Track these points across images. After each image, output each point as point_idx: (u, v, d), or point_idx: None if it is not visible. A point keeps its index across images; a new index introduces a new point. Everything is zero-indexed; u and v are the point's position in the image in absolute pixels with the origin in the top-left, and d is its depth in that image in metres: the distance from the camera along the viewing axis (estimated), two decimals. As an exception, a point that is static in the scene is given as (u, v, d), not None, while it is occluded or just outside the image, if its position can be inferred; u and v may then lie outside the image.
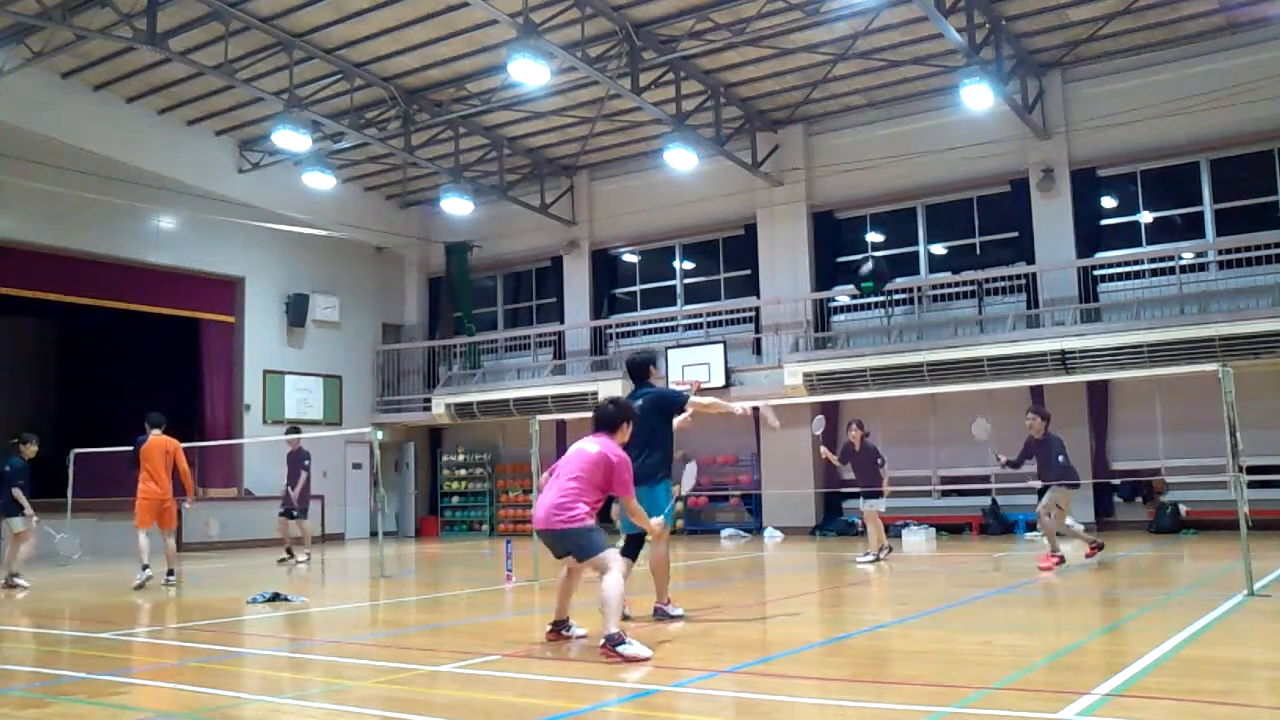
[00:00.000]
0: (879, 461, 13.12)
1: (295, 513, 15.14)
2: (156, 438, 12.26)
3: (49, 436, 15.29)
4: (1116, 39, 17.25)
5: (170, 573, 12.08)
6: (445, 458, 24.51)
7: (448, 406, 22.53)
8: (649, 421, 7.73)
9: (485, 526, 23.70)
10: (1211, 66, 16.84)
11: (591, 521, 6.50)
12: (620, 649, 5.92)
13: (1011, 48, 17.07)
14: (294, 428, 16.27)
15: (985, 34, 16.09)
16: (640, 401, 7.87)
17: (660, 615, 7.78)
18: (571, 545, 6.51)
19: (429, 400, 23.18)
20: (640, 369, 8.31)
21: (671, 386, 19.54)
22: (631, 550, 7.84)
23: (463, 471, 24.24)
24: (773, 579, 11.91)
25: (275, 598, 10.03)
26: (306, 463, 15.16)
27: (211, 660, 6.88)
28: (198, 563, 15.30)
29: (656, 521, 7.48)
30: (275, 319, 22.50)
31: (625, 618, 6.82)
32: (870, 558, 12.73)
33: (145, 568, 11.92)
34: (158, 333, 20.85)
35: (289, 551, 15.23)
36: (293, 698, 5.61)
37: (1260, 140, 16.78)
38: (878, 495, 13.04)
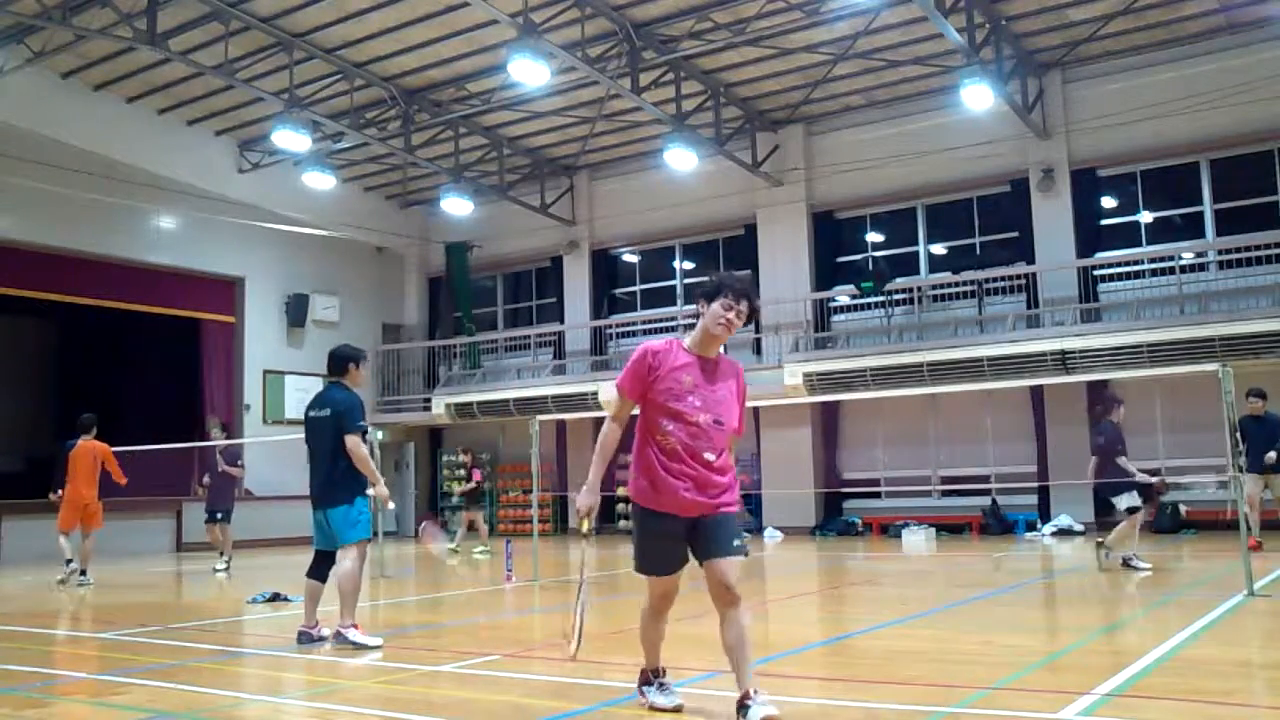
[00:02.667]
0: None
1: (222, 516, 14.50)
2: (84, 443, 12.62)
3: (49, 437, 15.31)
4: (1116, 39, 17.24)
5: (83, 573, 12.36)
6: (445, 458, 24.51)
7: (448, 406, 22.53)
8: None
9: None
10: (1211, 66, 16.84)
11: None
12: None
13: (1011, 48, 17.07)
14: (220, 423, 15.93)
15: (985, 34, 16.09)
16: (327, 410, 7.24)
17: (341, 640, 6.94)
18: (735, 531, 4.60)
19: (429, 400, 23.18)
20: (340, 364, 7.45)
21: None
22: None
23: (463, 471, 24.20)
24: (773, 579, 11.91)
25: (275, 598, 10.04)
26: (239, 462, 15.01)
27: (211, 660, 6.88)
28: (198, 562, 15.30)
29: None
30: (275, 319, 22.50)
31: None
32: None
33: (70, 562, 12.28)
34: (158, 333, 20.84)
35: (222, 553, 14.48)
36: (293, 698, 5.61)
37: (1260, 140, 16.77)
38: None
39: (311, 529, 7.40)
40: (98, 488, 12.61)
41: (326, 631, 7.12)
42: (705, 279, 4.71)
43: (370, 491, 7.27)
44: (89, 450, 12.60)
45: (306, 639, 7.09)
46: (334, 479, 7.14)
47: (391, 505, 7.63)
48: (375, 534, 7.40)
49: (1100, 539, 11.33)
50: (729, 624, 4.40)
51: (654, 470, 4.46)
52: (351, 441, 7.05)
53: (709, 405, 4.52)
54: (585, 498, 4.57)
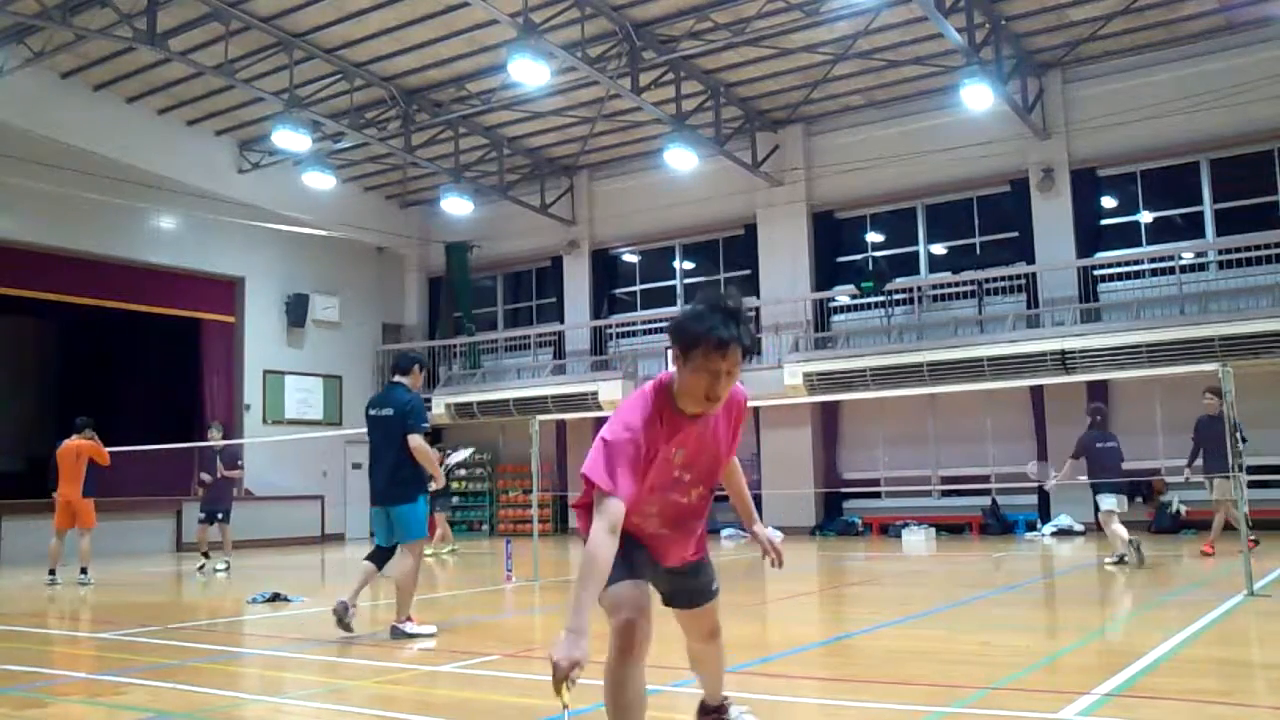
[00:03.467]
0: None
1: (222, 516, 14.59)
2: (70, 442, 12.83)
3: (49, 437, 15.31)
4: (1116, 39, 17.24)
5: (83, 571, 12.47)
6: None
7: (448, 406, 22.52)
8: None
9: (485, 526, 23.71)
10: (1211, 66, 16.84)
11: None
12: None
13: (1011, 48, 17.07)
14: (218, 423, 15.92)
15: (985, 34, 16.09)
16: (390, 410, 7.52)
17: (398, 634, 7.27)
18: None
19: (429, 400, 23.16)
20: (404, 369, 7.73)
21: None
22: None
23: (463, 471, 24.23)
24: (773, 579, 11.90)
25: (275, 598, 10.04)
26: (240, 463, 15.24)
27: (211, 660, 6.88)
28: (198, 562, 15.28)
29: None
30: (275, 319, 22.50)
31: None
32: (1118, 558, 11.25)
33: (52, 572, 12.47)
34: (158, 333, 20.84)
35: (207, 556, 14.56)
36: (292, 698, 5.61)
37: (1260, 140, 16.77)
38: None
39: (371, 524, 7.76)
40: (82, 486, 12.77)
41: (422, 630, 7.39)
42: (675, 320, 3.35)
43: (431, 486, 7.55)
44: (73, 449, 12.82)
45: (343, 608, 7.31)
46: (399, 477, 7.39)
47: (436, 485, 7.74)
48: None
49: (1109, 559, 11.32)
50: (715, 649, 3.97)
51: (622, 537, 3.19)
52: (415, 440, 7.32)
53: (701, 474, 3.47)
54: (568, 649, 2.98)
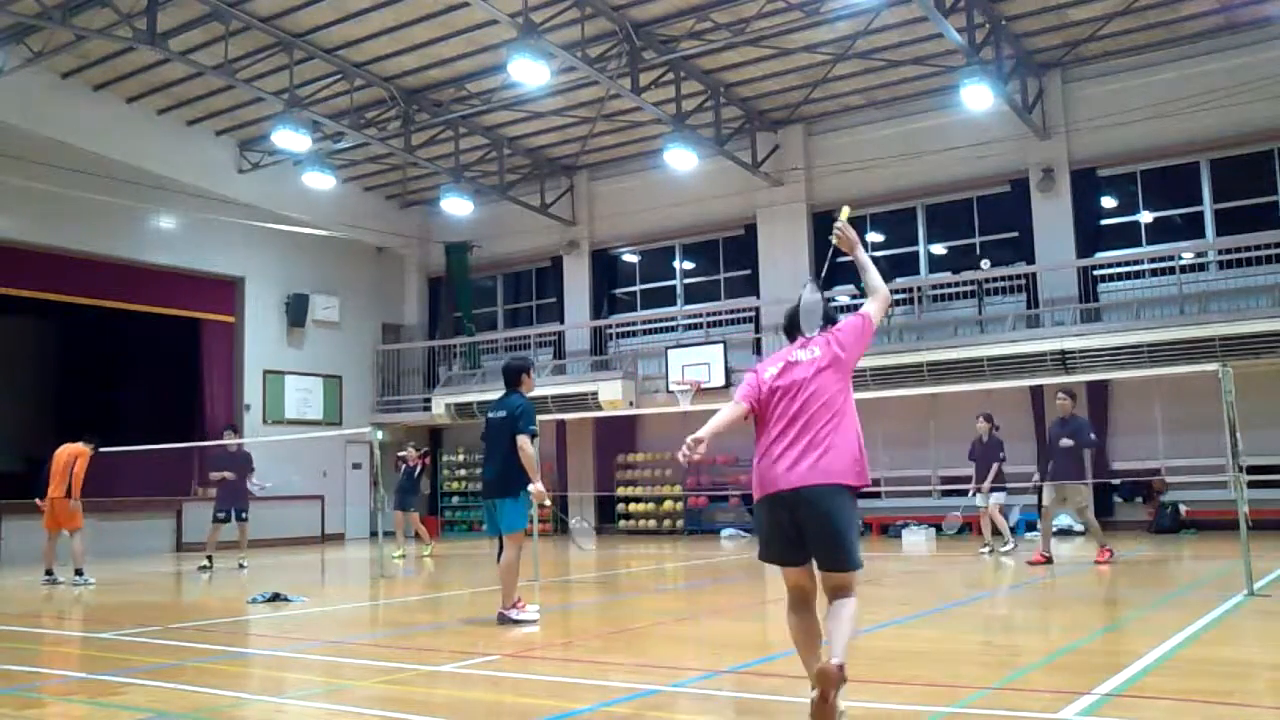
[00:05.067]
0: (1001, 456, 13.67)
1: (244, 515, 14.81)
2: (64, 447, 13.09)
3: (48, 437, 15.30)
4: (1116, 39, 17.24)
5: (79, 572, 12.54)
6: (445, 458, 24.51)
7: (448, 406, 22.52)
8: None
9: (485, 526, 23.66)
10: (1211, 66, 16.83)
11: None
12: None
13: (1011, 48, 17.07)
14: (232, 427, 16.03)
15: (985, 34, 16.09)
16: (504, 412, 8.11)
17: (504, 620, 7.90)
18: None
19: (429, 400, 23.18)
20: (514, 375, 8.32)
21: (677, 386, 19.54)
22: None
23: (463, 471, 24.24)
24: (773, 579, 11.92)
25: (275, 598, 10.05)
26: (253, 464, 15.29)
27: (211, 660, 6.88)
28: (198, 562, 15.29)
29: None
30: (275, 319, 22.50)
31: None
32: (1009, 547, 13.72)
33: (49, 572, 12.63)
34: (158, 333, 20.83)
35: (209, 558, 14.61)
36: (293, 698, 5.61)
37: (1260, 140, 16.77)
38: (1000, 489, 13.73)
39: (484, 518, 8.59)
40: (65, 488, 12.92)
41: (526, 615, 7.94)
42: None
43: (531, 489, 7.94)
44: (64, 453, 13.03)
45: (503, 619, 7.90)
46: (506, 473, 7.98)
47: (548, 501, 8.41)
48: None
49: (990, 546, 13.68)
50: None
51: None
52: (522, 440, 7.88)
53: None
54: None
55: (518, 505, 7.96)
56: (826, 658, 4.12)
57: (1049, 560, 11.86)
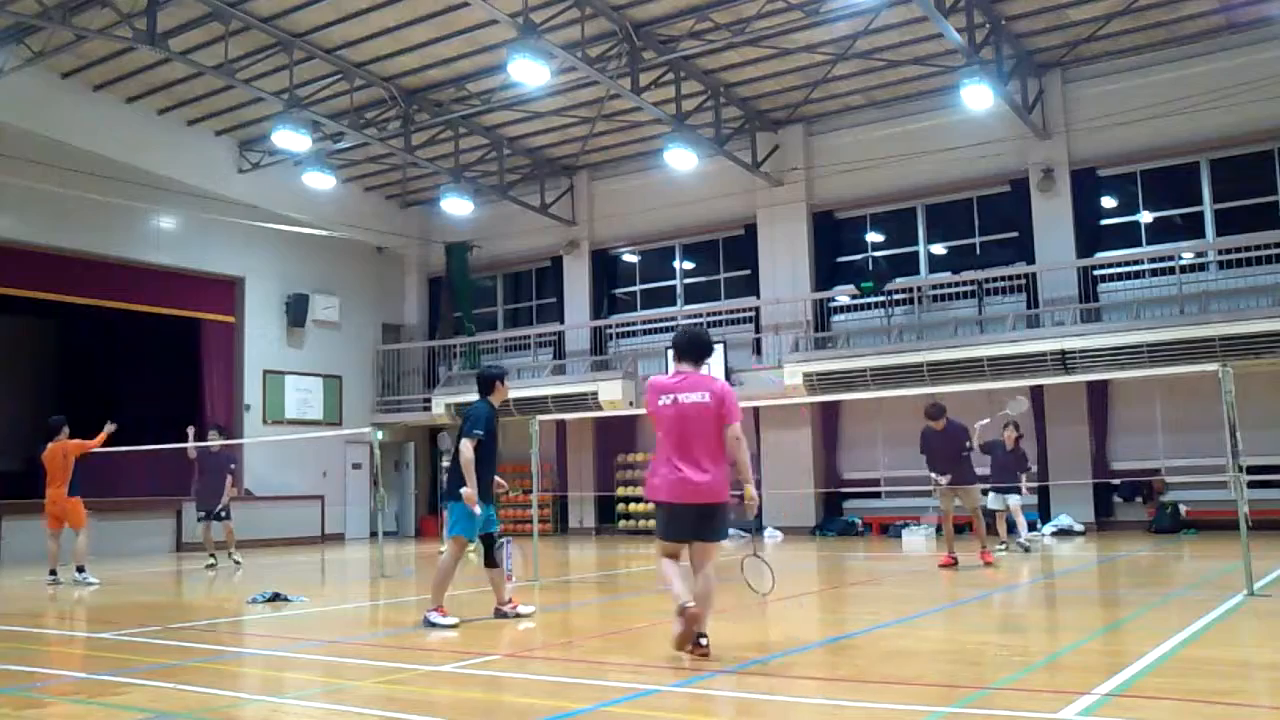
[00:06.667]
0: (1029, 468, 14.66)
1: (224, 514, 14.92)
2: (54, 445, 12.95)
3: (48, 437, 15.29)
4: (1116, 39, 17.25)
5: (80, 570, 12.49)
6: (445, 458, 24.51)
7: (448, 406, 22.50)
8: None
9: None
10: (1211, 66, 16.84)
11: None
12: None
13: (1011, 48, 17.07)
14: (218, 427, 16.06)
15: (985, 34, 16.09)
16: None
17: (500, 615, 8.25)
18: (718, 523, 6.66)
19: (429, 400, 23.17)
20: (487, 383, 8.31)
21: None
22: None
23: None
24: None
25: (275, 598, 10.04)
26: (233, 465, 15.48)
27: (211, 660, 6.88)
28: (199, 562, 15.30)
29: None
30: (275, 319, 22.49)
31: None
32: (1018, 544, 14.03)
33: (53, 572, 12.53)
34: (158, 333, 20.82)
35: (213, 556, 14.83)
36: (293, 698, 5.61)
37: (1260, 140, 16.78)
38: (1016, 491, 14.33)
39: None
40: (68, 486, 12.87)
41: (523, 610, 8.27)
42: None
43: (462, 492, 7.82)
44: (58, 450, 12.95)
45: (499, 615, 8.22)
46: (450, 477, 8.11)
47: (478, 509, 7.95)
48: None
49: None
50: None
51: None
52: (462, 444, 7.87)
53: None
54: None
55: (459, 509, 7.97)
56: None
57: (956, 562, 11.95)
